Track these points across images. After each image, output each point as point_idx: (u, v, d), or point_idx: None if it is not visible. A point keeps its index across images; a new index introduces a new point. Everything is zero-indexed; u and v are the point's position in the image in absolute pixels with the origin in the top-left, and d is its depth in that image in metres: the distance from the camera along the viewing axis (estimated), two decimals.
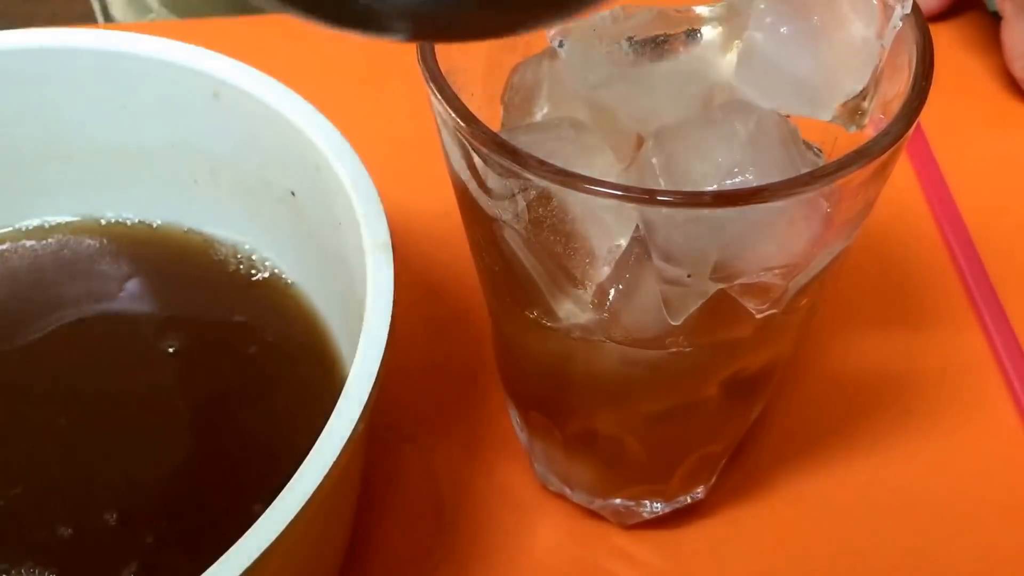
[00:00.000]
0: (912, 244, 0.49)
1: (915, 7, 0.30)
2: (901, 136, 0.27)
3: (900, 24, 0.30)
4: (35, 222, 0.42)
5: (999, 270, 0.47)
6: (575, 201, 0.26)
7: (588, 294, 0.29)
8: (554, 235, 0.28)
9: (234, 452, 0.37)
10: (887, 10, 0.30)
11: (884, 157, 0.27)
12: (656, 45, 0.29)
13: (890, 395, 0.44)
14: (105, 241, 0.42)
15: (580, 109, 0.30)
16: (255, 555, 0.26)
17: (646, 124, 0.29)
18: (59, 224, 0.42)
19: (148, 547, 0.34)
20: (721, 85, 0.29)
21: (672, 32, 0.29)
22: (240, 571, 0.25)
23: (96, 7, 0.76)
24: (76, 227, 0.42)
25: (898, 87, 0.29)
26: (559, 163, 0.27)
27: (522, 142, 0.28)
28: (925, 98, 0.28)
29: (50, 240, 0.42)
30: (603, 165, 0.28)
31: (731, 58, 0.29)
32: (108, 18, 0.75)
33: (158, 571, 0.34)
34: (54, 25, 0.39)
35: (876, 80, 0.30)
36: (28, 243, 0.42)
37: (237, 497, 0.35)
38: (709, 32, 0.29)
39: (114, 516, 0.35)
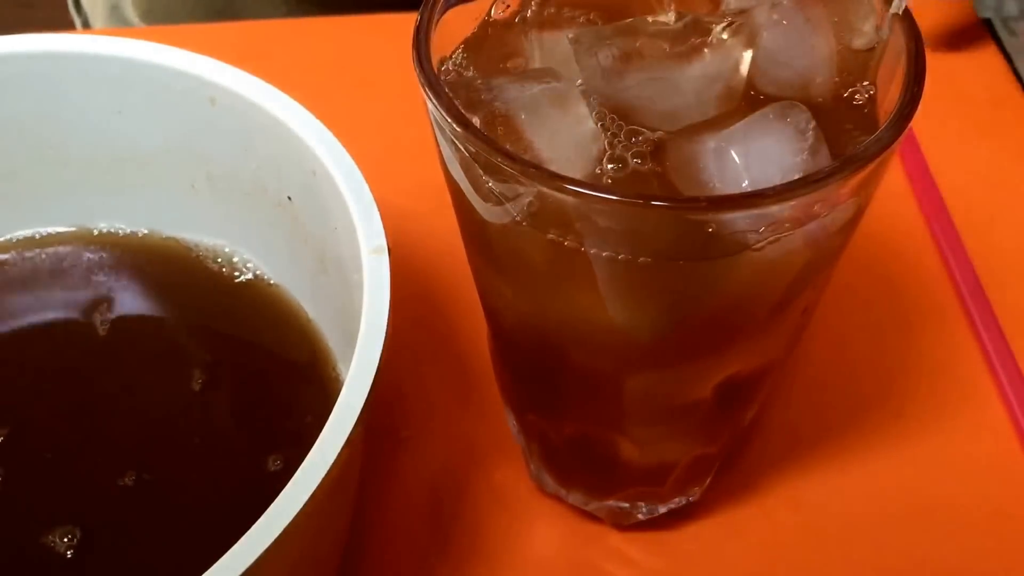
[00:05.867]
0: (904, 249, 0.49)
1: (907, 14, 0.30)
2: (893, 141, 0.27)
3: (901, 9, 0.30)
4: (28, 232, 0.42)
5: (990, 274, 0.48)
6: (571, 203, 0.27)
7: (586, 293, 0.29)
8: (550, 236, 0.28)
9: (235, 452, 0.37)
10: (886, 1, 0.30)
11: (876, 162, 0.27)
12: (680, 48, 0.30)
13: (882, 398, 0.44)
14: (99, 252, 0.42)
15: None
16: (254, 556, 0.26)
17: (671, 123, 0.29)
18: (52, 235, 0.43)
19: (146, 550, 0.35)
20: (736, 86, 0.30)
21: (694, 36, 0.30)
22: (240, 571, 0.25)
23: (77, 22, 0.76)
24: (69, 237, 0.43)
25: (890, 93, 0.30)
26: (530, 108, 0.27)
27: (495, 85, 0.29)
28: (917, 103, 0.28)
29: (43, 251, 0.42)
30: (576, 114, 0.29)
31: (746, 59, 0.30)
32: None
33: (157, 573, 0.34)
34: (47, 31, 0.39)
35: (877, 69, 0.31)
36: (24, 254, 0.42)
37: (237, 494, 0.36)
38: (726, 36, 0.30)
39: (114, 517, 0.35)
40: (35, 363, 0.40)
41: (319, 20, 0.61)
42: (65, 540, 0.34)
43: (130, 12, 0.71)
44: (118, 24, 0.71)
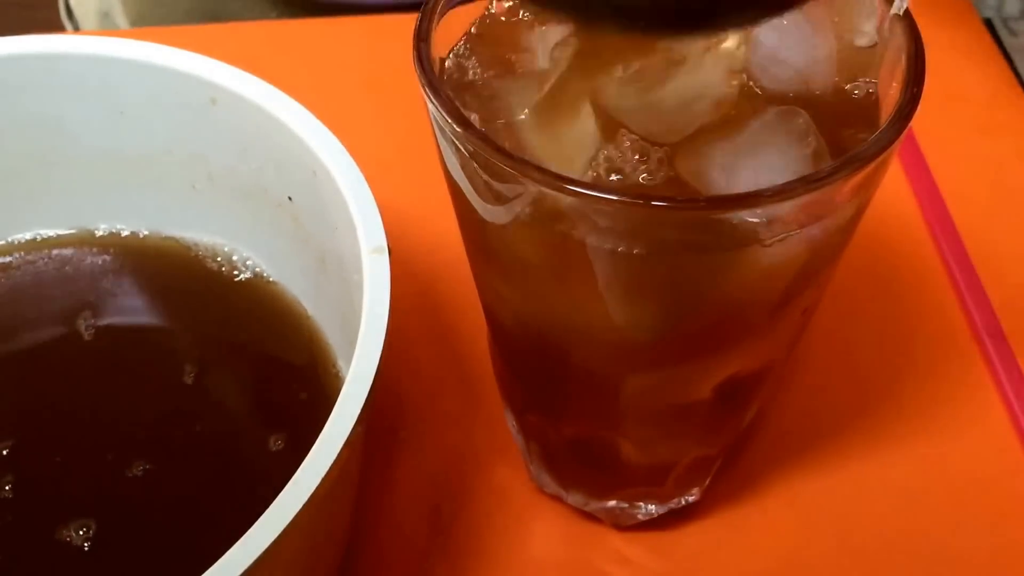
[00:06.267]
0: (904, 248, 0.49)
1: (907, 14, 0.30)
2: (893, 141, 0.27)
3: (902, 9, 0.30)
4: (29, 235, 0.43)
5: (990, 274, 0.48)
6: (571, 204, 0.27)
7: (586, 294, 0.29)
8: (550, 236, 0.28)
9: (236, 450, 0.37)
10: (887, 2, 0.31)
11: (876, 162, 0.27)
12: (680, 48, 0.30)
13: (882, 398, 0.44)
14: (101, 254, 0.42)
15: None
16: (253, 557, 0.26)
17: (667, 136, 0.29)
18: (53, 237, 0.43)
19: (160, 535, 0.35)
20: (726, 96, 0.30)
21: (686, 51, 0.30)
22: (239, 571, 0.25)
23: (68, 27, 0.76)
24: (71, 240, 0.43)
25: (890, 93, 0.30)
26: (531, 106, 0.27)
27: (495, 80, 0.29)
28: (916, 104, 0.28)
29: (45, 254, 0.42)
30: (577, 113, 0.29)
31: (748, 59, 0.30)
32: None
33: (173, 557, 0.34)
34: (48, 33, 0.39)
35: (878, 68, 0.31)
36: (25, 256, 0.42)
37: (236, 493, 0.36)
38: (719, 46, 0.30)
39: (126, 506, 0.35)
40: (40, 365, 0.40)
41: (319, 21, 0.61)
42: (81, 532, 0.35)
43: (121, 19, 0.71)
44: (109, 30, 0.71)
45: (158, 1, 0.69)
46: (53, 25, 0.76)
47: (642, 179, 0.28)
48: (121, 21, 0.71)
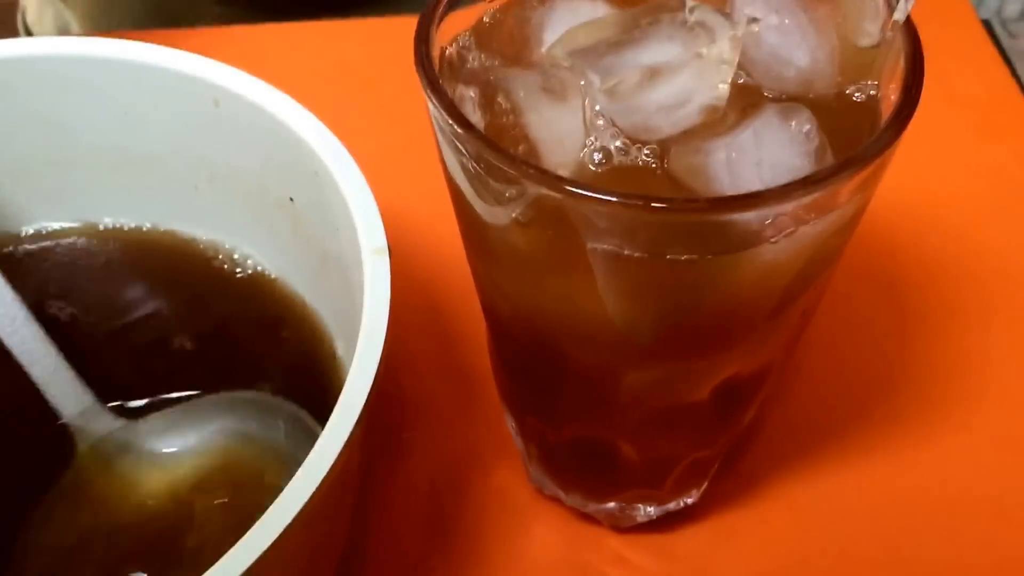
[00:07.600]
0: (902, 250, 0.49)
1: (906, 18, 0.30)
2: (891, 143, 0.27)
3: (904, 16, 0.30)
4: (35, 228, 0.43)
5: (989, 274, 0.48)
6: (570, 205, 0.27)
7: (586, 295, 0.29)
8: (549, 237, 0.28)
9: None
10: (888, 7, 0.31)
11: (875, 164, 0.27)
12: (680, 47, 0.30)
13: (881, 400, 0.44)
14: (104, 247, 0.43)
15: None
16: (253, 557, 0.26)
17: (674, 122, 0.29)
18: (58, 230, 0.43)
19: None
20: (717, 100, 0.30)
21: (679, 53, 0.30)
22: (240, 571, 0.26)
23: (22, 33, 0.76)
24: (75, 232, 0.43)
25: (890, 95, 0.30)
26: (530, 87, 0.28)
27: (503, 75, 0.29)
28: (915, 106, 0.28)
29: (49, 245, 0.42)
30: (575, 105, 0.29)
31: (748, 57, 0.30)
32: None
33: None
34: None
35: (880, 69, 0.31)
36: (28, 248, 0.42)
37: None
38: (726, 34, 0.30)
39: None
40: None
41: (320, 24, 0.61)
42: None
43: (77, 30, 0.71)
44: (60, 32, 0.71)
45: (107, 11, 0.69)
46: None
47: (643, 161, 0.28)
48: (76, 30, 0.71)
